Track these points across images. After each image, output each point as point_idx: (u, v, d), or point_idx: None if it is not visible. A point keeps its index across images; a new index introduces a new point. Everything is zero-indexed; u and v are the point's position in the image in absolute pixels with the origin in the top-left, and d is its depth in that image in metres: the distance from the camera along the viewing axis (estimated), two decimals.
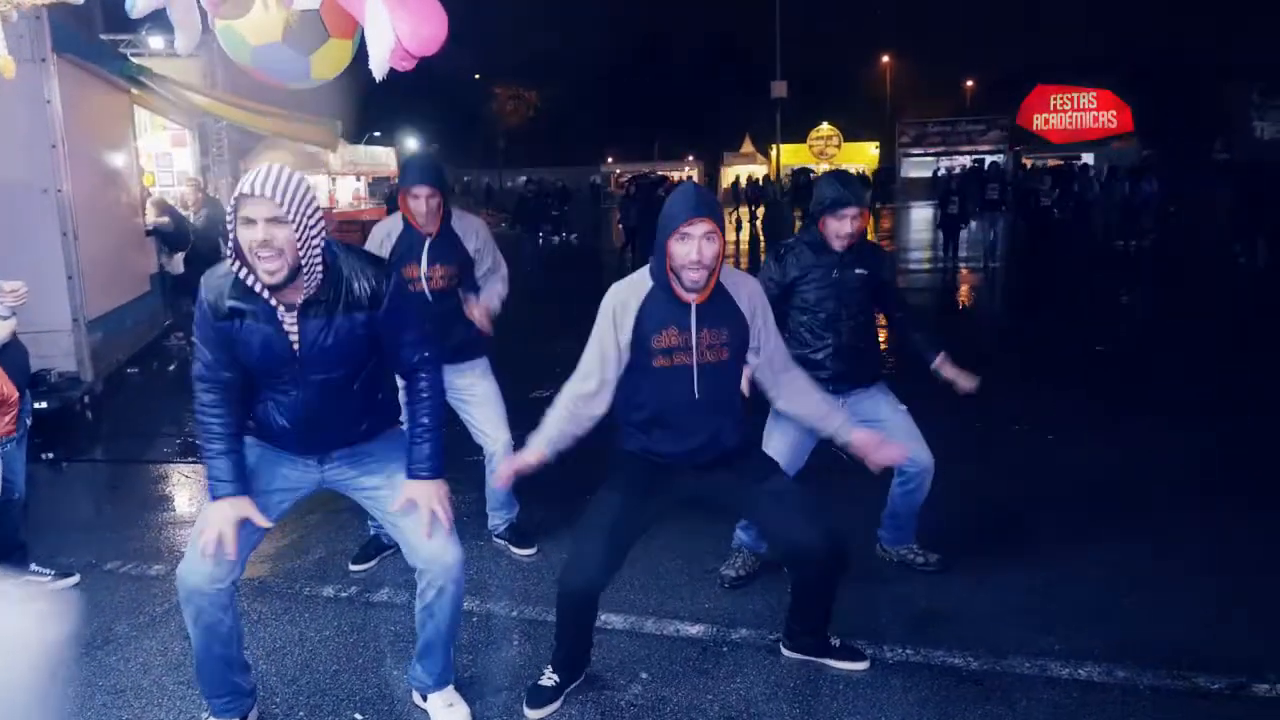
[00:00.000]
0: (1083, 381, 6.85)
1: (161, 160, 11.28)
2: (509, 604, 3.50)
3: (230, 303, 2.36)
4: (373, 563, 3.86)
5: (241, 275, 2.32)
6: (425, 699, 2.75)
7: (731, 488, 2.80)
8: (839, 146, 36.88)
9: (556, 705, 2.77)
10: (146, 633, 3.33)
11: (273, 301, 2.34)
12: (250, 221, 2.22)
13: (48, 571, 3.68)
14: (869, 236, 3.69)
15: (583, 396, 2.73)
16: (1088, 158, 29.53)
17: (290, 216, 2.22)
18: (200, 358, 2.46)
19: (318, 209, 2.32)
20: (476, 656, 3.12)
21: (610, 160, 48.78)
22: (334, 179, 21.54)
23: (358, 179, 23.85)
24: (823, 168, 33.40)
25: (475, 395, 3.82)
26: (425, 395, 2.55)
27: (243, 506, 2.44)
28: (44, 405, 5.67)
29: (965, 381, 3.49)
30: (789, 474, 3.06)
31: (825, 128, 37.32)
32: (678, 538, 3.98)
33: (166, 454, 5.77)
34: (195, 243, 8.99)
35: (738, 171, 36.12)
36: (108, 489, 5.30)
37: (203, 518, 2.44)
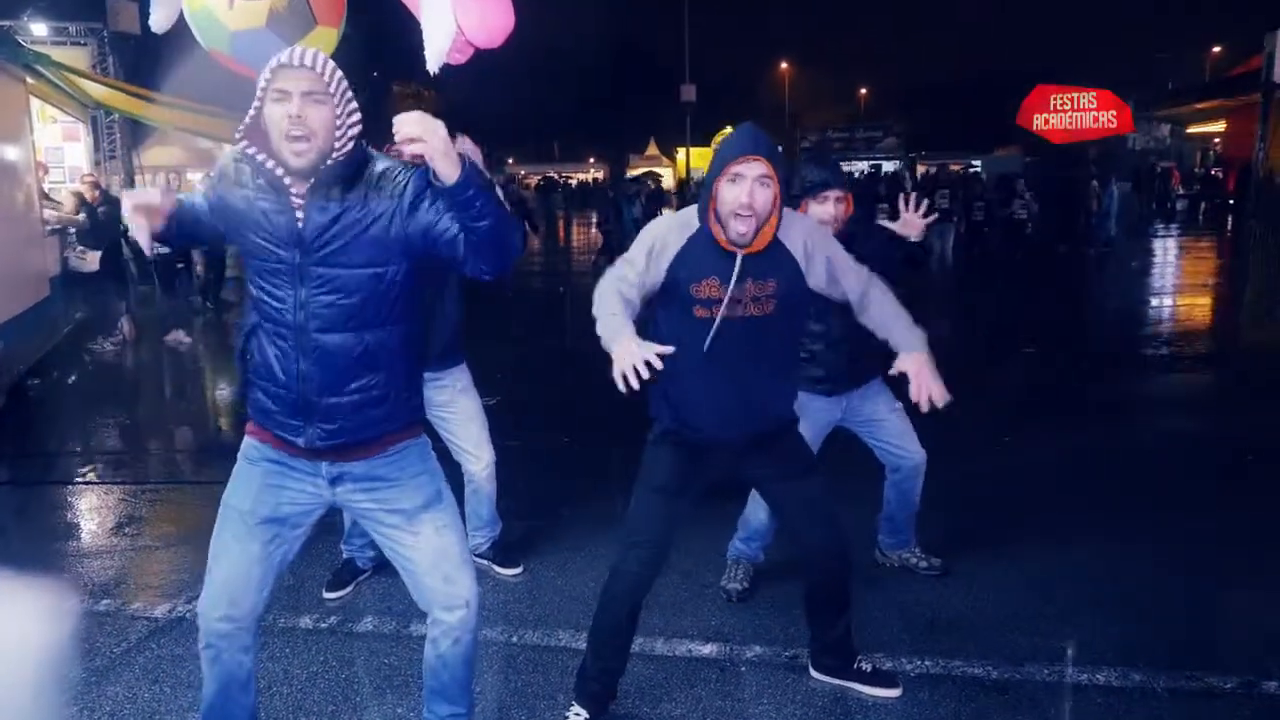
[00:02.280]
0: (1066, 381, 7.05)
1: (52, 154, 10.54)
2: (506, 629, 3.32)
3: (245, 179, 2.13)
4: (348, 589, 3.60)
5: (250, 152, 2.06)
6: None
7: (765, 477, 2.69)
8: None
9: None
10: (107, 677, 3.01)
11: (286, 179, 2.07)
12: (284, 95, 1.99)
13: None
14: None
15: (621, 283, 2.42)
16: (976, 164, 30.80)
17: (331, 92, 2.01)
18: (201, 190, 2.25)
19: (355, 100, 2.07)
20: (482, 689, 2.93)
21: (511, 162, 48.19)
22: None
23: None
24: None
25: (456, 412, 3.60)
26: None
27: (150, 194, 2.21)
28: None
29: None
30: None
31: (729, 131, 37.75)
32: (671, 553, 3.86)
33: (81, 474, 5.31)
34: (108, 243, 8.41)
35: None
36: (18, 516, 4.82)
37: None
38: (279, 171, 2.06)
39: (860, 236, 3.35)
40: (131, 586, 3.73)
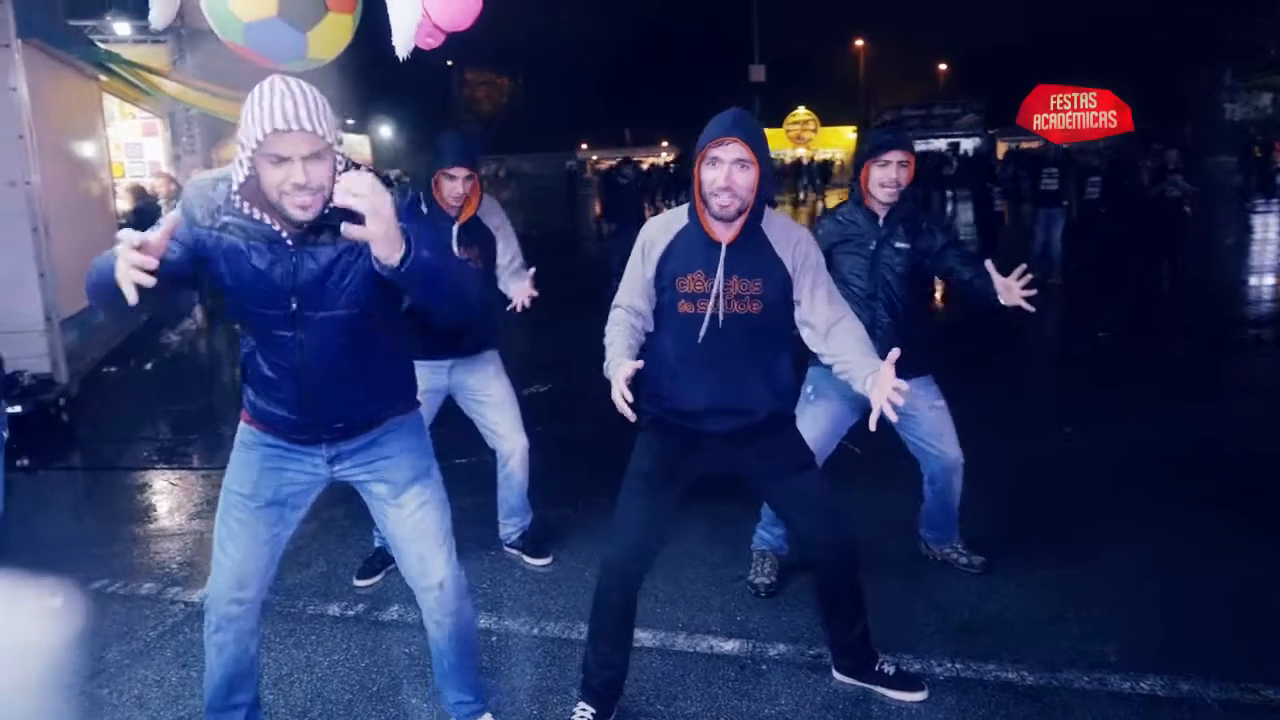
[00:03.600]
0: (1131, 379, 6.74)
1: (131, 150, 10.93)
2: (528, 620, 3.30)
3: (226, 218, 2.01)
4: (379, 577, 3.63)
5: (245, 210, 1.99)
6: None
7: (758, 473, 2.62)
8: (815, 131, 36.65)
9: None
10: (140, 660, 3.10)
11: (283, 233, 2.02)
12: (283, 160, 1.87)
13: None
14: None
15: (628, 310, 2.53)
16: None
17: (330, 144, 1.91)
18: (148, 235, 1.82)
19: (337, 126, 1.99)
20: (497, 680, 2.91)
21: (584, 147, 48.35)
22: None
23: None
24: (799, 152, 33.28)
25: (490, 396, 3.60)
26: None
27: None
28: (17, 409, 5.38)
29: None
30: (819, 459, 2.86)
31: (802, 112, 37.05)
32: (698, 544, 3.81)
33: (148, 459, 5.49)
34: None
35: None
36: (88, 499, 5.02)
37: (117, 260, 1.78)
38: (276, 227, 2.03)
39: (917, 230, 3.22)
40: (175, 570, 3.84)
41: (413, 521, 2.31)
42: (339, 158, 1.98)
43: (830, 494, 2.65)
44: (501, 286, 3.64)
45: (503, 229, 3.61)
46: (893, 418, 2.26)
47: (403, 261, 1.86)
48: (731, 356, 2.46)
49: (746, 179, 2.33)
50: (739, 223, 2.40)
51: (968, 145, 36.26)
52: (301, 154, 1.88)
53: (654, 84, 46.67)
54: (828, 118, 38.86)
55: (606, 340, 2.48)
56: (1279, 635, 3.02)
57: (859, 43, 47.56)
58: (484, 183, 3.50)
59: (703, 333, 2.43)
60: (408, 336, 2.37)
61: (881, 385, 2.24)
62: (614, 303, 2.57)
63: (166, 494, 4.88)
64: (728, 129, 2.32)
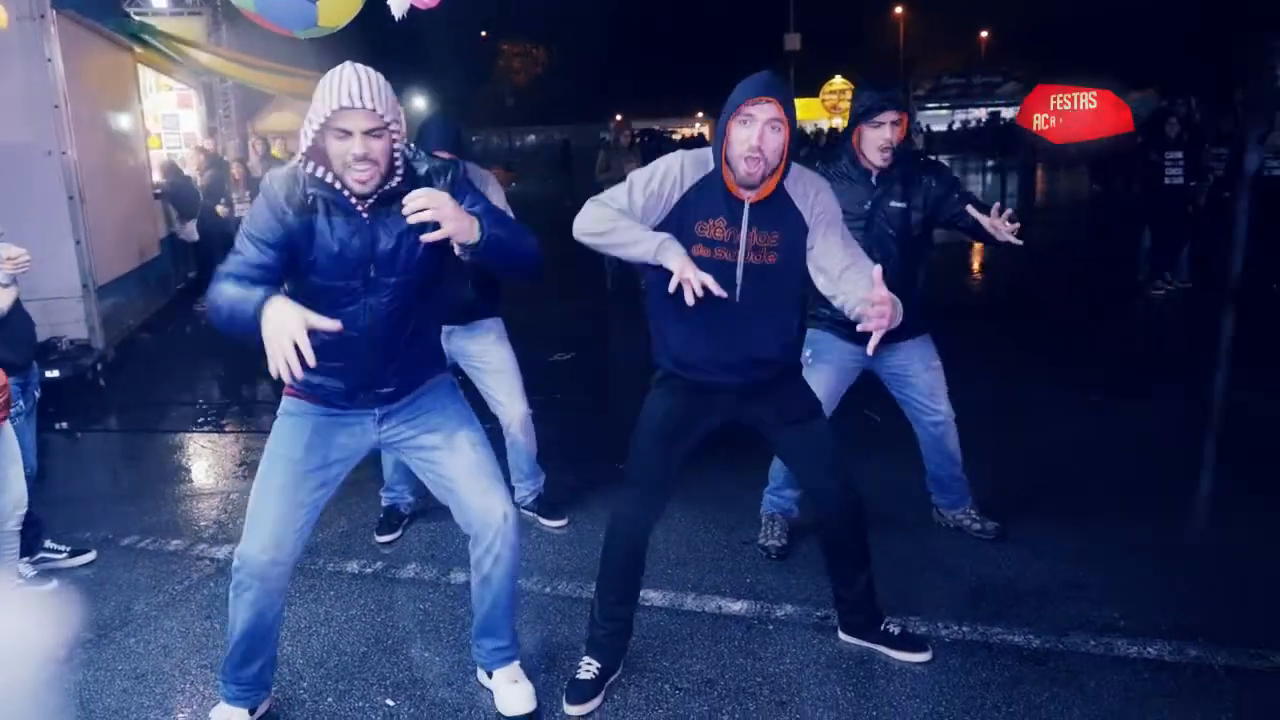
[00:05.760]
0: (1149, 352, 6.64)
1: (168, 121, 11.07)
2: (541, 580, 3.36)
3: (311, 190, 2.19)
4: (398, 533, 3.72)
5: (319, 174, 2.17)
6: (490, 675, 2.63)
7: (769, 423, 2.63)
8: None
9: (598, 700, 2.60)
10: (166, 612, 3.21)
11: (352, 198, 2.20)
12: (346, 134, 2.10)
13: (62, 549, 3.55)
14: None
15: (617, 209, 2.39)
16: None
17: (388, 123, 2.12)
18: (240, 254, 2.18)
19: (399, 108, 2.19)
20: None
21: (619, 118, 48.10)
22: None
23: None
24: (835, 122, 32.78)
25: (490, 362, 3.64)
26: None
27: (295, 307, 2.02)
28: (55, 374, 5.54)
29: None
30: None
31: (838, 81, 36.45)
32: (711, 506, 3.84)
33: (182, 423, 5.63)
34: (204, 207, 8.81)
35: None
36: (123, 459, 5.18)
37: (269, 330, 2.01)
38: (350, 199, 2.19)
39: (923, 173, 3.21)
40: (204, 528, 3.95)
41: (471, 460, 2.44)
42: (396, 137, 2.16)
43: (841, 444, 2.67)
44: None
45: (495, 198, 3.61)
46: (874, 326, 2.18)
47: (479, 241, 2.15)
48: (742, 307, 2.45)
49: (777, 140, 2.33)
50: (766, 186, 2.38)
51: (1008, 114, 35.54)
52: (362, 129, 2.09)
53: (688, 54, 46.20)
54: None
55: (608, 225, 2.34)
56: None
57: (898, 10, 46.67)
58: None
59: (738, 286, 2.41)
60: (448, 298, 2.54)
61: (874, 304, 2.19)
62: (597, 200, 2.42)
63: (199, 456, 5.01)
64: (763, 88, 2.31)
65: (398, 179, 2.21)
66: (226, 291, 2.12)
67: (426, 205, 2.08)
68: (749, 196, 2.40)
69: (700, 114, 46.90)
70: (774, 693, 2.64)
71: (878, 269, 2.24)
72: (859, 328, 2.27)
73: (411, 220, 2.09)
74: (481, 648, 2.61)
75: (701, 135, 40.45)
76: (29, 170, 5.83)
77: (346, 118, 2.08)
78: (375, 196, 2.20)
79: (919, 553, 3.41)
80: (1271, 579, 3.14)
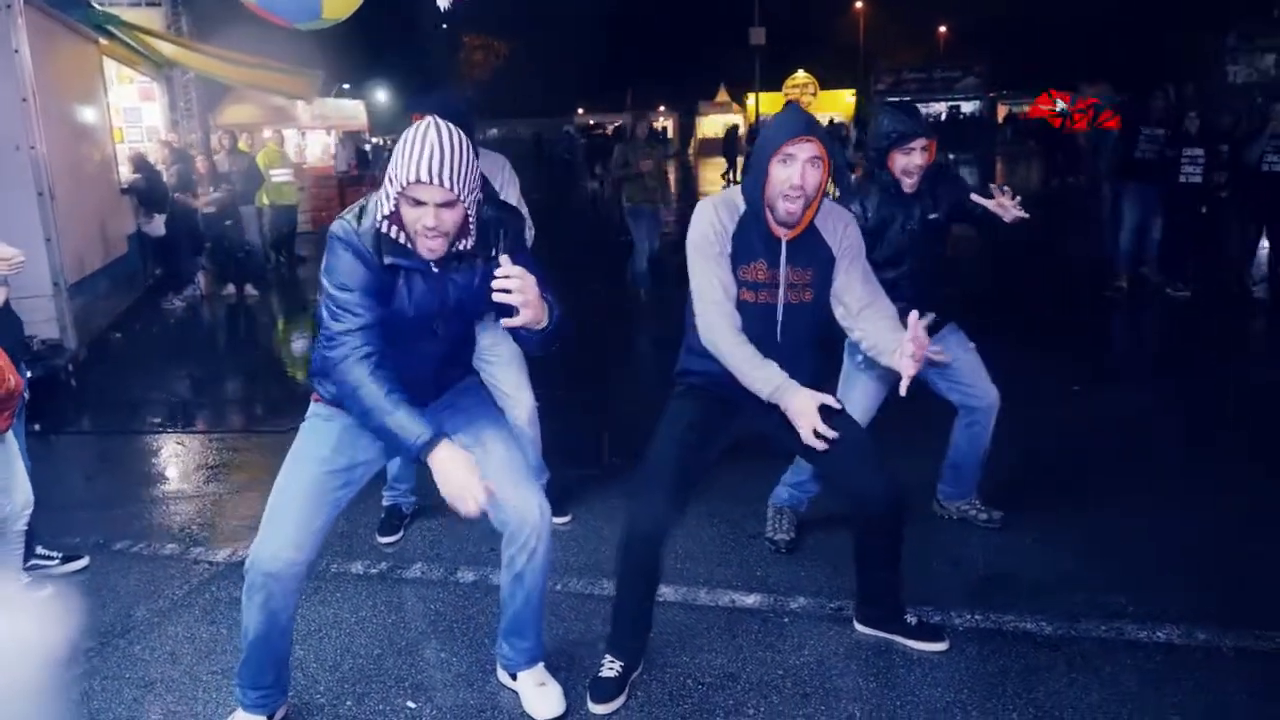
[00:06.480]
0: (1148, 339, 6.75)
1: (130, 115, 10.79)
2: (551, 577, 3.31)
3: (389, 258, 2.20)
4: (400, 534, 3.68)
5: (394, 235, 2.19)
6: (514, 678, 2.61)
7: (796, 431, 2.61)
8: (815, 94, 36.36)
9: (623, 698, 2.58)
10: (169, 618, 3.13)
11: (427, 256, 2.23)
12: (419, 204, 2.11)
13: (54, 555, 3.46)
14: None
15: (725, 308, 2.46)
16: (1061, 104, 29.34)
17: (462, 199, 2.12)
18: (346, 309, 2.17)
19: (478, 174, 2.20)
20: None
21: (581, 112, 47.86)
22: (303, 133, 20.84)
23: (328, 133, 23.12)
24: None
25: (500, 355, 3.61)
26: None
27: (461, 458, 2.14)
28: (29, 375, 5.37)
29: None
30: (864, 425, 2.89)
31: (801, 75, 36.78)
32: (717, 502, 3.84)
33: (158, 423, 5.50)
34: (172, 201, 8.62)
35: (733, 120, 35.08)
36: (104, 462, 5.04)
37: (442, 479, 2.12)
38: (425, 259, 2.22)
39: (941, 181, 3.28)
40: (196, 531, 3.87)
41: (503, 457, 2.43)
42: (471, 210, 2.17)
43: (873, 442, 2.69)
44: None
45: (507, 186, 3.57)
46: (913, 371, 2.33)
47: (542, 331, 2.22)
48: (787, 345, 2.52)
49: (816, 177, 2.37)
50: (801, 222, 2.44)
51: (968, 108, 35.99)
52: (436, 201, 2.10)
53: (653, 47, 46.11)
54: (827, 81, 38.54)
55: (734, 350, 2.43)
56: None
57: (858, 4, 47.00)
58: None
59: (779, 326, 2.51)
60: None
61: (913, 350, 2.31)
62: (705, 301, 2.48)
63: (178, 457, 4.90)
64: (804, 128, 2.35)
65: (469, 240, 2.24)
66: (367, 392, 2.14)
67: (518, 290, 2.09)
68: (785, 234, 2.45)
69: (662, 107, 46.83)
70: (796, 685, 2.65)
71: (915, 317, 2.32)
72: (898, 366, 2.36)
73: (497, 298, 2.11)
74: (509, 647, 2.59)
75: (664, 128, 40.45)
76: None
77: (422, 190, 2.08)
78: (445, 256, 2.24)
79: (925, 544, 3.43)
80: (1272, 561, 3.22)
